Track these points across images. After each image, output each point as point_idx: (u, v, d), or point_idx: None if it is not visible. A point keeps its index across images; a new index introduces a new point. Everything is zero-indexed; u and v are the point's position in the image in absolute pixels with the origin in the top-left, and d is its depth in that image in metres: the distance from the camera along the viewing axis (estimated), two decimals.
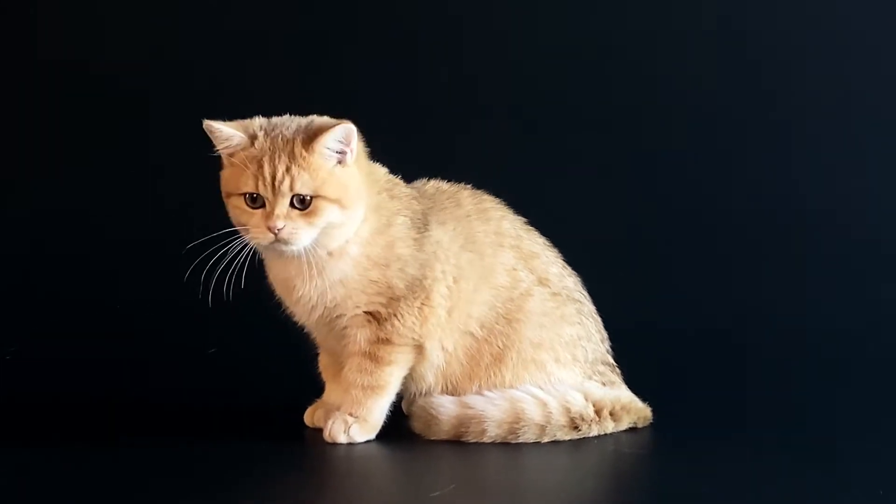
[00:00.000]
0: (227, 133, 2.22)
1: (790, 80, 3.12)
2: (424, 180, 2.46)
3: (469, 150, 3.05)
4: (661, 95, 3.14)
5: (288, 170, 2.18)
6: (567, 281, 2.47)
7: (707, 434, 2.42)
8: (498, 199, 2.49)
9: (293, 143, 2.20)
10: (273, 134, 2.21)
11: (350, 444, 2.31)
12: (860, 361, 2.85)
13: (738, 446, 2.35)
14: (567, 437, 2.32)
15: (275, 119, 2.26)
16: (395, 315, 2.31)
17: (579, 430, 2.33)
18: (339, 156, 2.22)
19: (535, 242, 2.47)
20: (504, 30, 3.17)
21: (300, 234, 2.20)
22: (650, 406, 2.45)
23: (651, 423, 2.44)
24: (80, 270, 3.08)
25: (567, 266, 2.50)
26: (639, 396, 2.45)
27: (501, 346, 2.36)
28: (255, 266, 2.39)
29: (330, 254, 2.26)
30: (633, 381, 2.48)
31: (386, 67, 3.15)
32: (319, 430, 2.36)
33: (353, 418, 2.32)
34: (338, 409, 2.35)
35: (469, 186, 2.48)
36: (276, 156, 2.19)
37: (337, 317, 2.33)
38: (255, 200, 2.21)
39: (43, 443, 2.33)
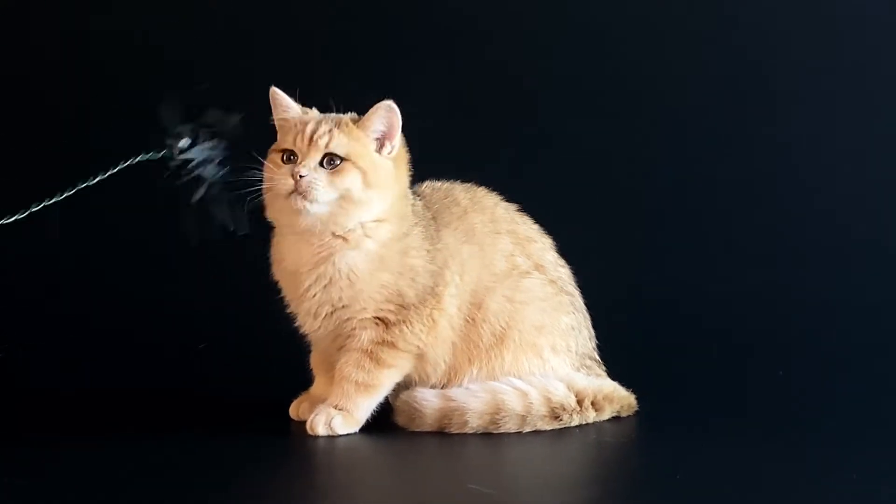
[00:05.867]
0: (287, 102, 2.34)
1: (789, 56, 3.10)
2: (419, 184, 2.48)
3: (453, 141, 3.05)
4: (655, 79, 3.12)
5: (330, 131, 2.28)
6: (560, 272, 2.50)
7: (690, 422, 2.43)
8: (488, 189, 2.52)
9: (342, 119, 2.31)
10: (326, 114, 2.34)
11: (331, 437, 2.31)
12: (850, 348, 2.84)
13: (723, 434, 2.35)
14: (548, 427, 2.33)
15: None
16: (404, 322, 2.34)
17: (560, 420, 2.34)
18: (379, 142, 2.31)
19: (530, 228, 2.51)
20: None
21: (319, 187, 2.25)
22: (634, 394, 2.46)
23: (636, 412, 2.45)
24: (75, 264, 3.10)
25: (560, 257, 2.52)
26: (623, 385, 2.45)
27: (504, 326, 2.39)
28: (249, 263, 2.41)
29: (342, 238, 2.30)
30: (618, 370, 2.49)
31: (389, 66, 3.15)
32: (304, 424, 2.35)
33: (338, 411, 2.33)
34: (323, 401, 2.36)
35: (458, 182, 2.51)
36: (324, 121, 2.30)
37: (347, 319, 2.34)
38: (289, 159, 2.28)
39: (31, 437, 2.35)
